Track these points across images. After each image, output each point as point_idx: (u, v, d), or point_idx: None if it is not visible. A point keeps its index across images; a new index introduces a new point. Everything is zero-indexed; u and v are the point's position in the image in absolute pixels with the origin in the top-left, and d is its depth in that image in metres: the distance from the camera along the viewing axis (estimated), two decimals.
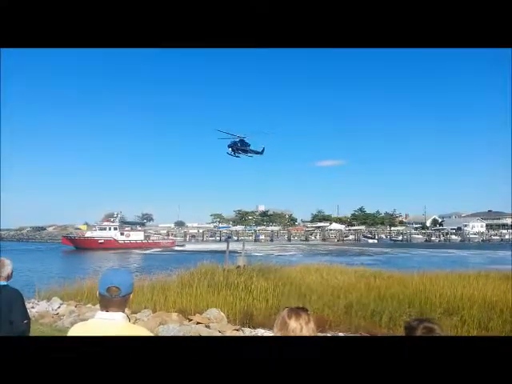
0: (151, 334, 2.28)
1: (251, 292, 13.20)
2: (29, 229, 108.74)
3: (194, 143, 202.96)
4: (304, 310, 2.20)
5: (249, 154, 41.02)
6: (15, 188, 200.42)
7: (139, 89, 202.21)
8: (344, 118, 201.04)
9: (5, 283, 3.86)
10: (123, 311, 2.27)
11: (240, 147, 39.77)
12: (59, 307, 11.73)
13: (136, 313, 10.89)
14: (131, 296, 2.36)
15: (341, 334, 9.47)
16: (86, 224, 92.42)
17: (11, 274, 3.96)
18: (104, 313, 2.25)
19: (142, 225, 76.84)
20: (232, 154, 39.88)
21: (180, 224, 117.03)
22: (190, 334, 8.69)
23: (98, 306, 2.35)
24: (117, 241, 66.17)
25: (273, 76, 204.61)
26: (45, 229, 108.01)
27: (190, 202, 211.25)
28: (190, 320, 9.96)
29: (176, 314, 10.38)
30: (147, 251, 60.93)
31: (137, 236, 68.86)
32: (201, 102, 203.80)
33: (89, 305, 11.90)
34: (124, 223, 71.06)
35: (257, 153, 41.99)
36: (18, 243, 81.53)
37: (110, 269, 2.46)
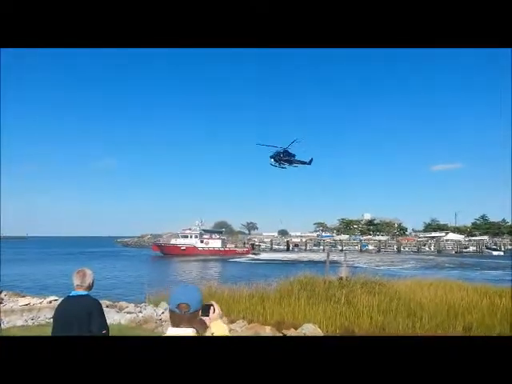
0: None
1: (353, 306, 12.31)
2: (149, 236, 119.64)
3: (298, 151, 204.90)
4: None
5: (294, 165, 39.95)
6: (140, 200, 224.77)
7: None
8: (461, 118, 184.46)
9: (85, 293, 3.92)
10: (193, 327, 2.31)
11: (283, 158, 38.86)
12: (163, 312, 11.94)
13: (232, 323, 10.82)
14: (200, 312, 2.39)
15: None
16: None
17: (92, 283, 4.00)
18: (175, 329, 2.30)
19: (220, 233, 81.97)
20: (276, 165, 39.10)
21: (283, 233, 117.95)
22: None
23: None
24: (196, 248, 71.33)
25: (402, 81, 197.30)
26: (162, 236, 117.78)
27: (293, 210, 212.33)
28: (284, 335, 9.53)
29: (270, 327, 10.05)
30: (236, 259, 63.71)
31: (215, 243, 73.95)
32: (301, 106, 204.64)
33: None
34: (205, 231, 76.48)
35: (303, 163, 40.90)
36: (138, 249, 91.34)
37: (179, 286, 2.49)
